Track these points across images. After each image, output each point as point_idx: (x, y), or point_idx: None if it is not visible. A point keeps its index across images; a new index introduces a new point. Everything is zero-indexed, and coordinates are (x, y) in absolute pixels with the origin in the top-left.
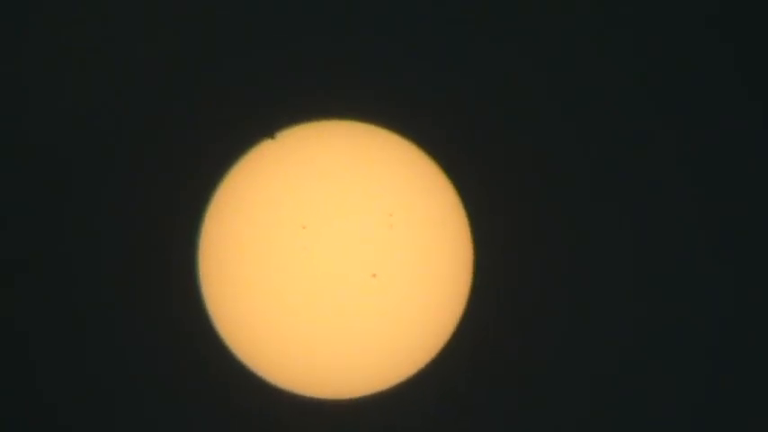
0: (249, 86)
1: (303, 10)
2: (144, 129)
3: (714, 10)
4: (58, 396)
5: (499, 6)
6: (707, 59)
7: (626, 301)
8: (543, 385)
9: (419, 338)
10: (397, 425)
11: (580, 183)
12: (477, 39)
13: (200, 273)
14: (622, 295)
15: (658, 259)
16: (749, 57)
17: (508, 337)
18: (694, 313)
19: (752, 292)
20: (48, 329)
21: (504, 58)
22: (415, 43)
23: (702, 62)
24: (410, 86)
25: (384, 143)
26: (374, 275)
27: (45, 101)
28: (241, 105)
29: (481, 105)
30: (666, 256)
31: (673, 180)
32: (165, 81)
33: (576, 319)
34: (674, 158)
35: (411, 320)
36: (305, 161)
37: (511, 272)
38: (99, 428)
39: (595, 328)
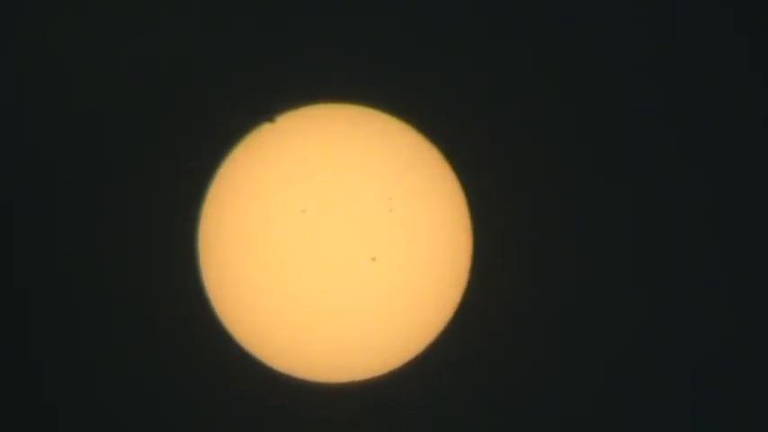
0: (248, 71)
1: None
2: (143, 114)
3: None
4: (60, 390)
5: None
6: (710, 59)
7: (624, 291)
8: (540, 368)
9: (418, 322)
10: (396, 408)
11: (580, 168)
12: (478, 25)
13: (200, 257)
14: (621, 283)
15: (659, 254)
16: (752, 54)
17: (506, 321)
18: (695, 309)
19: (753, 291)
20: (47, 325)
21: (506, 46)
22: (416, 28)
23: (707, 61)
24: (411, 71)
25: (383, 127)
26: (374, 259)
27: (44, 87)
28: (240, 90)
29: (481, 90)
30: (667, 252)
31: (674, 176)
32: (163, 68)
33: (575, 307)
34: (675, 154)
35: (410, 304)
36: (304, 145)
37: (510, 256)
38: (102, 420)
39: (593, 320)
